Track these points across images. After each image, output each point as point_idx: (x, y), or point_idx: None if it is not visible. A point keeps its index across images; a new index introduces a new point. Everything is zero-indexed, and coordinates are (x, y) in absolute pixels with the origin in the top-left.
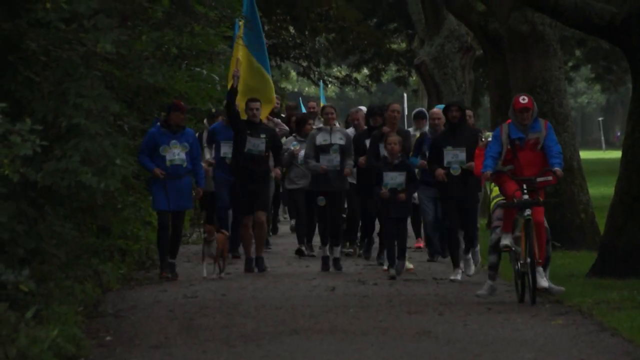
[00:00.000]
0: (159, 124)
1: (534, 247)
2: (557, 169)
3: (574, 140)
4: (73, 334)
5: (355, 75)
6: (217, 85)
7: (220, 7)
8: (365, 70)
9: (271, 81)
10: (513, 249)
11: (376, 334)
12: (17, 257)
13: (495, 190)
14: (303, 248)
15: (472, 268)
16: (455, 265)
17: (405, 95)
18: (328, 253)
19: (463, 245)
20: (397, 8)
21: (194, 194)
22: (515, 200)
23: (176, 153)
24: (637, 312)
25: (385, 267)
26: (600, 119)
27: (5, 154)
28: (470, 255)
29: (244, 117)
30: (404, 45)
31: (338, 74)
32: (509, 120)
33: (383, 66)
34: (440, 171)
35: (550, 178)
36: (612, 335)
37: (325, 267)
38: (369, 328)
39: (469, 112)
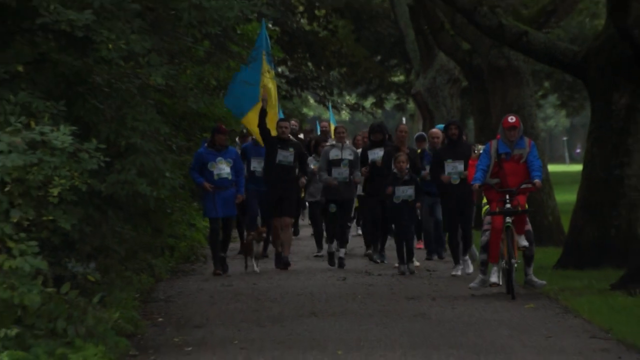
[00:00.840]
0: (206, 144)
1: (514, 251)
2: (537, 180)
3: (543, 156)
4: (131, 316)
5: (363, 102)
6: None
7: (251, 47)
8: (371, 98)
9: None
10: (500, 284)
11: (380, 316)
12: (85, 253)
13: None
14: (321, 254)
15: (471, 267)
16: (456, 262)
17: (404, 119)
18: (334, 250)
19: (461, 245)
20: (397, 47)
21: None
22: (499, 209)
23: (222, 168)
24: (596, 297)
25: (396, 265)
26: (564, 138)
27: (76, 168)
28: (467, 257)
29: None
30: (402, 77)
31: (348, 101)
32: (498, 136)
33: (385, 95)
34: (445, 176)
35: (530, 186)
36: (575, 317)
37: (331, 262)
38: (374, 311)
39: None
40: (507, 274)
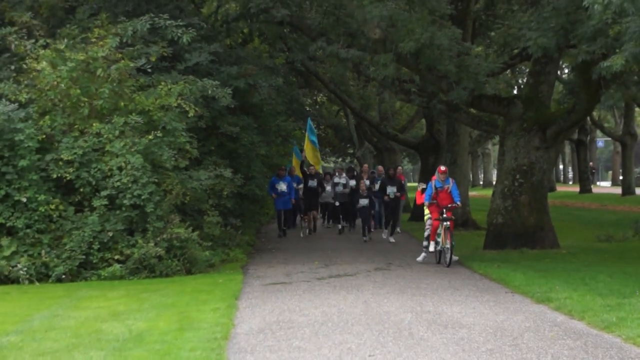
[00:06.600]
0: (275, 176)
1: (449, 239)
2: (458, 202)
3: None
4: (252, 238)
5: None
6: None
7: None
8: (338, 157)
9: (317, 155)
10: (434, 251)
11: (363, 260)
12: (235, 215)
13: (426, 210)
14: (329, 225)
15: (392, 239)
16: (391, 234)
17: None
18: (339, 226)
19: (390, 228)
20: (350, 138)
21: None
22: (441, 218)
23: (283, 187)
24: (504, 268)
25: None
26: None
27: (232, 184)
28: (392, 236)
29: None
30: (352, 150)
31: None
32: (434, 177)
33: (344, 157)
34: (386, 196)
35: (454, 206)
36: (490, 280)
37: (340, 232)
38: (362, 258)
39: (399, 169)
40: (441, 253)
